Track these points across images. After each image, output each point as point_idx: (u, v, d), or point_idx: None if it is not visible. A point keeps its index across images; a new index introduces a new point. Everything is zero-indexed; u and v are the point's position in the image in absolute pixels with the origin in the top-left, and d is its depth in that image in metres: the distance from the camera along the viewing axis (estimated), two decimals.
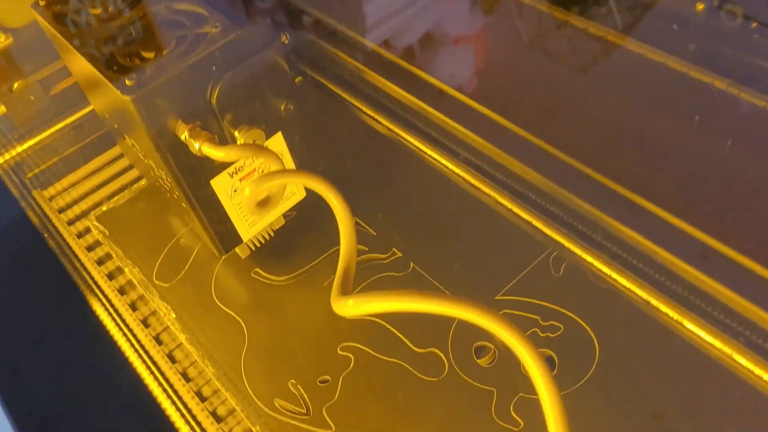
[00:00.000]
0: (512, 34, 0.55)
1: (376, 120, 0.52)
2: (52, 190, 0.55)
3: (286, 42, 0.57)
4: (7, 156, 0.57)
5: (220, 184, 0.41)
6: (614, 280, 0.40)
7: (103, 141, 0.57)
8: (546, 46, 0.51)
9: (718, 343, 0.33)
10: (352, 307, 0.32)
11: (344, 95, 0.53)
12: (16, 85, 0.58)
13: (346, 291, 0.33)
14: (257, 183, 0.35)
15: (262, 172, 0.41)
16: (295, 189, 0.46)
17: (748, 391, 0.36)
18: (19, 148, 0.58)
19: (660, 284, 0.36)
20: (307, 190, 0.46)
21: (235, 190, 0.42)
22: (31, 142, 0.58)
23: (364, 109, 0.53)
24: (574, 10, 0.52)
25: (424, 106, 0.47)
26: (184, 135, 0.37)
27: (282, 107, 0.41)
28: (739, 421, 0.35)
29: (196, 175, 0.40)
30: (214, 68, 0.36)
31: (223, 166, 0.41)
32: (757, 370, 0.34)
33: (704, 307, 0.33)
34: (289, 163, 0.43)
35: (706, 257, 0.30)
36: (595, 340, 0.40)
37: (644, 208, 0.35)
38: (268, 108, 0.40)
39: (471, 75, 0.52)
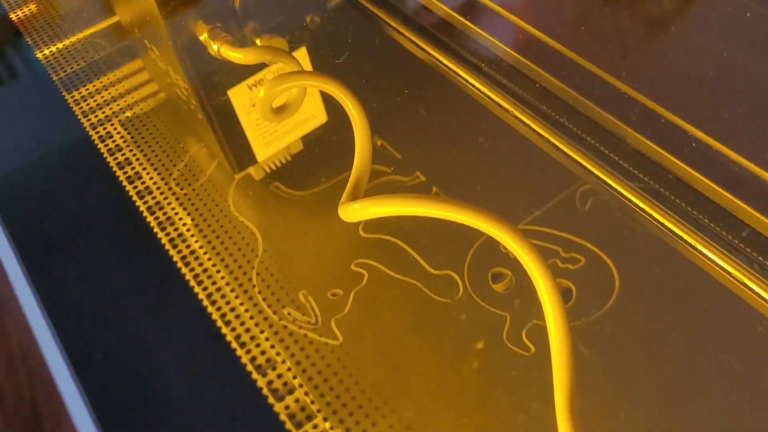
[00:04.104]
0: None
1: (410, 41, 0.50)
2: (76, 95, 0.55)
3: None
4: (39, 55, 0.57)
5: (238, 95, 0.40)
6: (643, 211, 0.38)
7: (131, 50, 0.57)
8: None
9: (745, 279, 0.32)
10: (358, 211, 0.31)
11: (378, 13, 0.52)
12: None
13: (355, 198, 0.32)
14: (273, 84, 0.34)
15: None
16: (315, 112, 0.44)
17: None
18: (46, 51, 0.58)
19: (690, 217, 0.34)
20: (328, 113, 0.45)
21: (253, 105, 0.41)
22: (59, 46, 0.57)
23: (400, 29, 0.51)
24: None
25: (464, 21, 0.45)
26: (203, 35, 0.36)
27: (308, 19, 0.40)
28: (764, 355, 0.33)
29: (213, 83, 0.39)
30: None
31: (242, 76, 0.39)
32: None
33: (733, 240, 0.32)
34: None
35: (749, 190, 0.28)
36: (616, 275, 0.39)
37: (689, 134, 0.33)
38: (293, 19, 0.39)
39: None
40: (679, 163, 0.29)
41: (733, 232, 0.33)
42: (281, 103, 0.34)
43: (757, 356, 0.34)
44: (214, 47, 0.34)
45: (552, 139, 0.34)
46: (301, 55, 0.40)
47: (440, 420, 0.36)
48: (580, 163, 0.41)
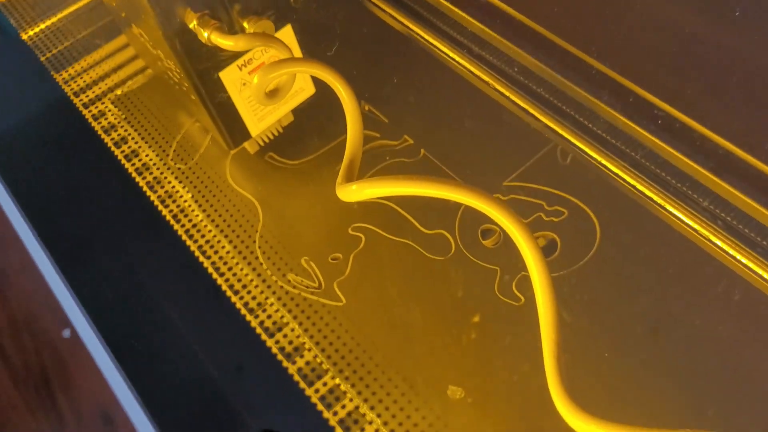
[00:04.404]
0: None
1: (390, 15, 0.51)
2: (65, 75, 0.55)
3: None
4: (24, 36, 0.57)
5: (229, 76, 0.41)
6: (617, 175, 0.40)
7: (117, 26, 0.57)
8: None
9: (714, 238, 0.34)
10: (355, 192, 0.33)
11: None
12: None
13: (350, 178, 0.34)
14: (265, 71, 0.35)
15: None
16: (304, 85, 0.46)
17: (747, 289, 0.37)
18: (31, 32, 0.58)
19: (664, 182, 0.36)
20: (316, 85, 0.46)
21: (244, 84, 0.42)
22: (44, 25, 0.58)
23: (379, 4, 0.52)
24: None
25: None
26: (192, 23, 0.37)
27: None
28: (736, 315, 0.36)
29: (204, 67, 0.40)
30: None
31: (232, 58, 0.41)
32: (758, 269, 0.34)
33: (701, 201, 0.34)
34: (299, 55, 0.43)
35: (713, 158, 0.30)
36: (597, 225, 0.41)
37: (653, 105, 0.35)
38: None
39: None
40: (645, 133, 0.31)
41: (699, 193, 0.35)
42: (273, 87, 0.36)
43: (733, 315, 0.36)
44: (204, 35, 0.35)
45: (528, 107, 0.36)
46: (287, 33, 0.41)
47: (438, 371, 0.39)
48: (555, 131, 0.43)
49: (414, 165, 0.46)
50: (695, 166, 0.26)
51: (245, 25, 0.38)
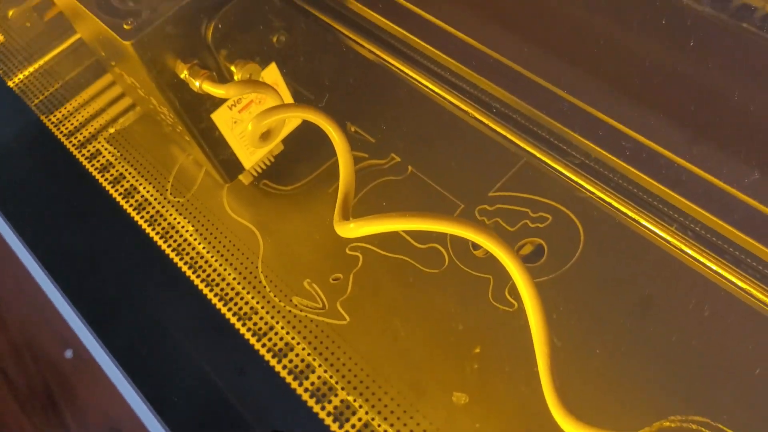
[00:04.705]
0: None
1: (369, 51, 0.53)
2: (59, 115, 0.57)
3: None
4: (11, 84, 0.58)
5: (220, 117, 0.43)
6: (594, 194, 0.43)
7: (101, 65, 0.59)
8: None
9: (685, 247, 0.36)
10: (353, 230, 0.35)
11: (332, 23, 0.54)
12: (11, 12, 0.59)
13: (346, 215, 0.36)
14: (259, 119, 0.37)
15: (260, 102, 0.43)
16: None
17: (716, 289, 0.39)
18: (21, 76, 0.59)
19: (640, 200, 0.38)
20: None
21: (235, 122, 0.44)
22: (31, 69, 0.59)
23: (353, 36, 0.54)
24: None
25: (408, 34, 0.48)
26: (183, 74, 0.39)
27: (275, 39, 0.42)
28: (714, 310, 0.39)
29: (197, 111, 0.42)
30: (207, 6, 0.38)
31: (223, 99, 0.42)
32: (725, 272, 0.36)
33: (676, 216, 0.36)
34: (284, 92, 0.45)
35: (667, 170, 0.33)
36: (580, 227, 0.44)
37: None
38: (261, 41, 0.42)
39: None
40: (591, 144, 0.33)
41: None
42: (266, 130, 0.38)
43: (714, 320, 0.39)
44: (196, 84, 0.37)
45: (505, 133, 0.39)
46: (272, 71, 0.43)
47: (442, 379, 0.41)
48: (533, 154, 0.45)
49: (403, 182, 0.48)
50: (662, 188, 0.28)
51: (233, 68, 0.40)
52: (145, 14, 0.36)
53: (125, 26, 0.36)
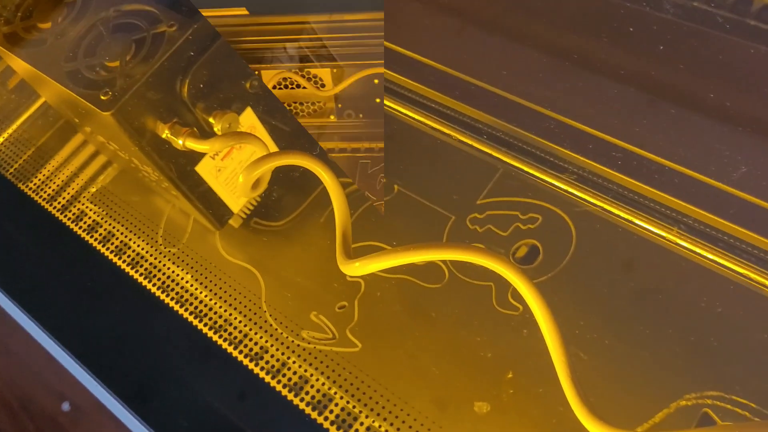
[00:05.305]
0: None
1: None
2: (36, 181, 0.57)
3: None
4: None
5: (204, 168, 0.44)
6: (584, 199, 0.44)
7: (71, 126, 0.58)
8: None
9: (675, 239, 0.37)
10: (359, 269, 0.36)
11: None
12: None
13: (348, 253, 0.37)
14: (249, 171, 0.37)
15: (241, 148, 0.43)
16: None
17: (711, 276, 0.41)
18: None
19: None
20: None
21: (219, 170, 0.44)
22: (1, 139, 0.59)
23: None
24: None
25: None
26: (165, 133, 0.39)
27: (248, 85, 0.43)
28: (709, 296, 0.40)
29: (180, 166, 0.42)
30: (179, 65, 0.38)
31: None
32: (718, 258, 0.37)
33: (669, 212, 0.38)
34: (263, 134, 0.45)
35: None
36: (570, 223, 0.45)
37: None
38: (235, 89, 0.42)
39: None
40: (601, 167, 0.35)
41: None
42: (255, 179, 0.38)
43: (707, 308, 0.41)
44: (179, 142, 0.38)
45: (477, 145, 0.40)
46: (249, 115, 0.43)
47: (458, 389, 0.42)
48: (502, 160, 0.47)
49: (391, 201, 0.49)
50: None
51: (211, 120, 0.40)
52: (120, 82, 0.37)
53: (102, 97, 0.36)
